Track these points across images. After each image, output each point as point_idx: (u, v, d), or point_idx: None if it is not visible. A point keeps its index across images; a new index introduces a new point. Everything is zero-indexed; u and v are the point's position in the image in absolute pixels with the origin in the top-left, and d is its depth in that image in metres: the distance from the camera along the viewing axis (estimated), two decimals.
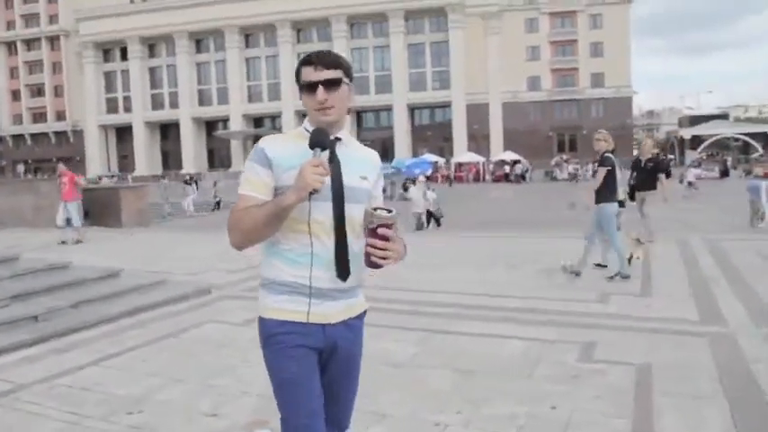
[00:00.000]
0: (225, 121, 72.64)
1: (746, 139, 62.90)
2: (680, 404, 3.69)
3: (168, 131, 75.65)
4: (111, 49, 76.04)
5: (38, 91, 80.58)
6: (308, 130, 1.94)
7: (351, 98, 2.00)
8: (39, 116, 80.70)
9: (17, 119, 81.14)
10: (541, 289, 7.12)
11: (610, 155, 7.41)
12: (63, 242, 12.67)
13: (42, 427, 3.72)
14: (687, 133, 67.54)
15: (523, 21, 66.09)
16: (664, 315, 5.76)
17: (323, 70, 1.91)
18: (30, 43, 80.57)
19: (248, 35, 71.62)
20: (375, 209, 1.87)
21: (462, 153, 58.46)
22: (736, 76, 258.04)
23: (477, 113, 65.06)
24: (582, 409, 3.64)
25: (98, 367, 4.84)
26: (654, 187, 10.10)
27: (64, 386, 4.44)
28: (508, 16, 65.55)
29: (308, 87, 1.92)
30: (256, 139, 70.92)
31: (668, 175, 11.26)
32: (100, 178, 56.08)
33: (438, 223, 16.57)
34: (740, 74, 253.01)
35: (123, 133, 76.87)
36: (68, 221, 13.01)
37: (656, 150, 9.93)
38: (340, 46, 66.41)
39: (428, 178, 44.01)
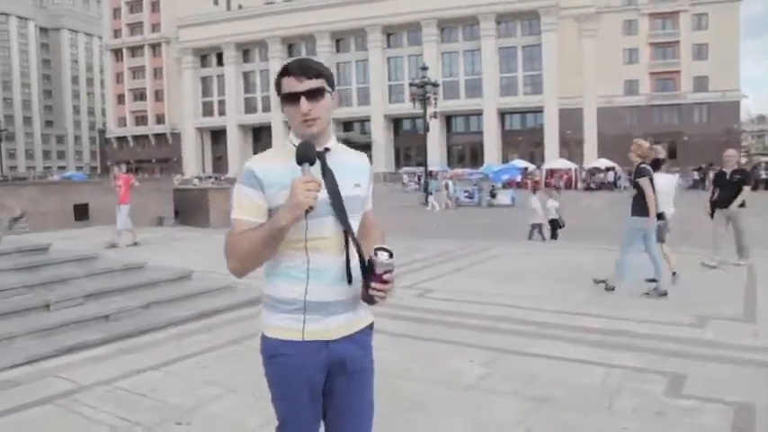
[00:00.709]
0: None
1: None
2: None
3: (260, 134, 77.94)
4: (208, 55, 79.36)
5: (140, 95, 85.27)
6: (294, 144, 1.86)
7: (334, 107, 1.96)
8: (140, 119, 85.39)
9: (121, 121, 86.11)
10: (628, 308, 6.53)
11: (646, 165, 7.13)
12: (113, 245, 12.06)
13: None
14: None
15: (621, 22, 63.55)
16: None
17: (305, 80, 1.85)
18: (134, 50, 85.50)
19: (339, 40, 72.79)
20: (376, 251, 1.82)
21: (554, 159, 56.74)
22: None
23: (570, 118, 63.08)
24: None
25: (158, 372, 4.79)
26: (741, 204, 8.88)
27: (122, 389, 4.41)
28: (605, 18, 63.23)
29: (290, 99, 1.86)
30: (345, 142, 72.41)
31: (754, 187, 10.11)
32: (200, 179, 58.32)
33: (554, 235, 14.29)
34: None
35: (218, 136, 79.98)
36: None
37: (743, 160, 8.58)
38: (430, 50, 66.39)
39: (518, 185, 43.54)
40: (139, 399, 4.22)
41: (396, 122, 72.37)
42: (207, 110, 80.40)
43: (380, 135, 70.38)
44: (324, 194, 1.78)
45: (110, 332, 5.73)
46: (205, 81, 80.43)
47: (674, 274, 7.82)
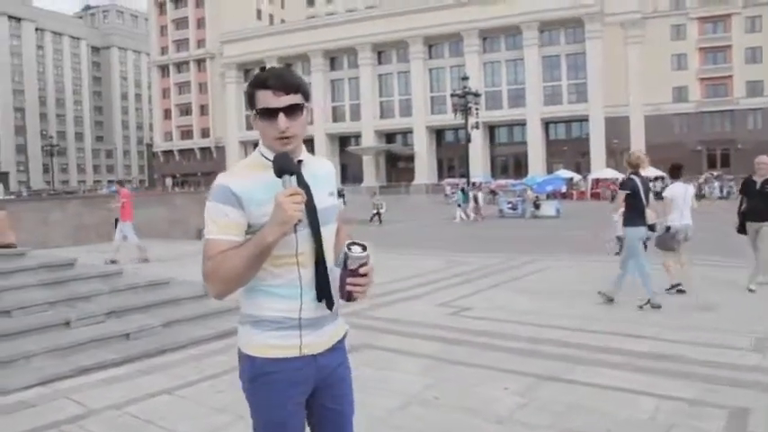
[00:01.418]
0: (357, 136, 74.11)
1: None
2: None
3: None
4: (251, 69, 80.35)
5: (186, 110, 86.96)
6: (266, 157, 1.81)
7: (309, 120, 1.89)
8: (186, 133, 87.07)
9: (167, 136, 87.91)
10: (683, 330, 6.01)
11: (633, 177, 7.13)
12: (113, 261, 11.46)
13: None
14: None
15: (669, 27, 61.81)
16: None
17: (282, 95, 1.77)
18: (180, 66, 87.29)
19: (380, 52, 72.84)
20: (350, 246, 1.78)
21: (600, 169, 55.35)
22: None
23: (617, 127, 61.51)
24: None
25: (171, 396, 4.55)
26: None
27: (130, 415, 4.19)
28: (651, 23, 61.66)
29: (266, 114, 1.78)
30: (388, 154, 73.03)
31: None
32: None
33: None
34: None
35: None
36: (125, 239, 12.60)
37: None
38: (472, 60, 65.89)
39: (563, 195, 42.46)
40: (146, 427, 3.99)
41: (438, 133, 71.89)
42: (250, 123, 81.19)
43: (423, 146, 69.98)
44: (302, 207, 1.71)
45: (128, 351, 5.53)
46: None
47: (673, 286, 7.74)
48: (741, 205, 8.26)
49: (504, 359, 5.20)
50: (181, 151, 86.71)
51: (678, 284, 7.74)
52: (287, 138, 1.78)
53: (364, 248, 1.78)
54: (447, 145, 71.19)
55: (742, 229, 8.15)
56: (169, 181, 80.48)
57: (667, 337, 5.69)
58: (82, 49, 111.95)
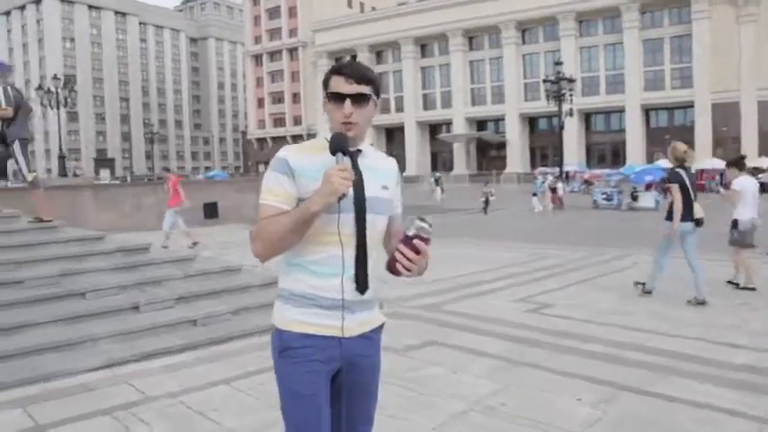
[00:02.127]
0: (448, 124, 73.29)
1: None
2: None
3: (394, 135, 78.53)
4: (342, 57, 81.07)
5: (278, 98, 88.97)
6: (326, 138, 1.92)
7: (375, 114, 2.00)
8: (278, 121, 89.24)
9: (261, 123, 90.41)
10: None
11: (678, 170, 7.01)
12: (164, 247, 11.14)
13: None
14: None
15: None
16: None
17: (353, 84, 1.88)
18: (273, 55, 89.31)
19: (472, 38, 71.49)
20: (420, 218, 1.80)
21: (706, 159, 52.01)
22: None
23: (725, 114, 57.47)
24: None
25: (228, 387, 4.45)
26: None
27: (183, 405, 4.13)
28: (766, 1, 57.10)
29: (335, 98, 1.89)
30: (479, 141, 71.83)
31: None
32: None
33: None
34: None
35: None
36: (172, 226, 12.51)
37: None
38: (568, 45, 63.52)
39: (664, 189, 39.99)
40: (194, 418, 3.91)
41: (531, 121, 69.85)
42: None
43: (515, 134, 68.22)
44: (351, 192, 1.79)
45: (194, 338, 5.51)
46: None
47: (737, 285, 7.54)
48: None
49: (581, 364, 4.77)
50: (273, 138, 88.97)
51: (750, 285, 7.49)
52: (351, 123, 1.87)
53: (429, 226, 1.79)
54: (540, 133, 69.11)
55: None
56: (262, 168, 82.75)
57: None
58: (181, 40, 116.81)
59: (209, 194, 18.78)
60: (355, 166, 1.86)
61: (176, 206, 12.54)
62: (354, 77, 1.88)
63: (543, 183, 28.26)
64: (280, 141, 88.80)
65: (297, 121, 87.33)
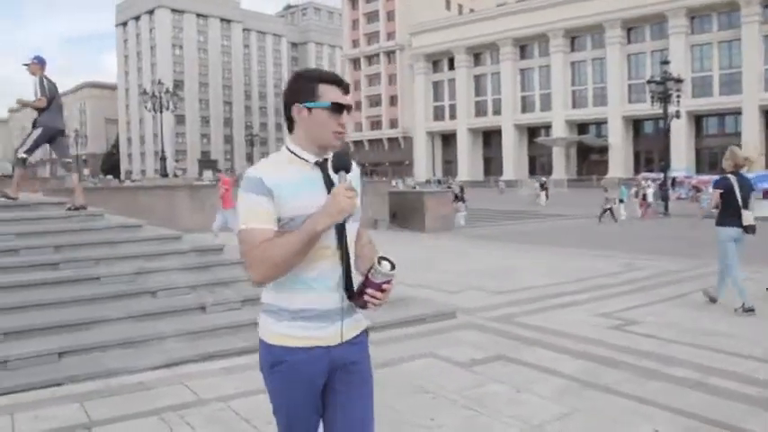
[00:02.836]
0: (547, 127, 71.35)
1: None
2: None
3: (490, 138, 77.38)
4: (440, 60, 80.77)
5: (375, 101, 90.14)
6: (293, 152, 1.92)
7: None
8: (375, 124, 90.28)
9: (357, 126, 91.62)
10: None
11: (728, 176, 7.01)
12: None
13: None
14: None
15: None
16: None
17: (348, 95, 1.93)
18: (370, 59, 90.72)
19: (574, 38, 69.21)
20: (380, 260, 1.83)
21: None
22: None
23: None
24: None
25: None
26: None
27: (232, 410, 4.10)
28: None
29: (335, 109, 1.90)
30: (579, 145, 69.35)
31: None
32: (428, 182, 59.55)
33: None
34: None
35: (448, 139, 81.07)
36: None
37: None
38: (677, 43, 60.16)
39: None
40: (239, 425, 3.85)
41: (635, 124, 66.65)
42: (438, 114, 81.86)
43: (618, 137, 65.34)
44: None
45: (255, 341, 5.42)
46: (436, 86, 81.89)
47: None
48: None
49: (663, 390, 4.31)
50: (370, 141, 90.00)
51: None
52: (342, 134, 1.93)
53: (393, 267, 1.82)
54: (645, 136, 65.85)
55: None
56: (226, 172, 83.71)
57: None
58: (282, 45, 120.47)
59: None
60: (327, 177, 1.90)
61: (231, 207, 12.09)
62: (348, 90, 1.94)
63: (630, 190, 26.94)
64: (376, 144, 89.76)
65: (393, 124, 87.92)
